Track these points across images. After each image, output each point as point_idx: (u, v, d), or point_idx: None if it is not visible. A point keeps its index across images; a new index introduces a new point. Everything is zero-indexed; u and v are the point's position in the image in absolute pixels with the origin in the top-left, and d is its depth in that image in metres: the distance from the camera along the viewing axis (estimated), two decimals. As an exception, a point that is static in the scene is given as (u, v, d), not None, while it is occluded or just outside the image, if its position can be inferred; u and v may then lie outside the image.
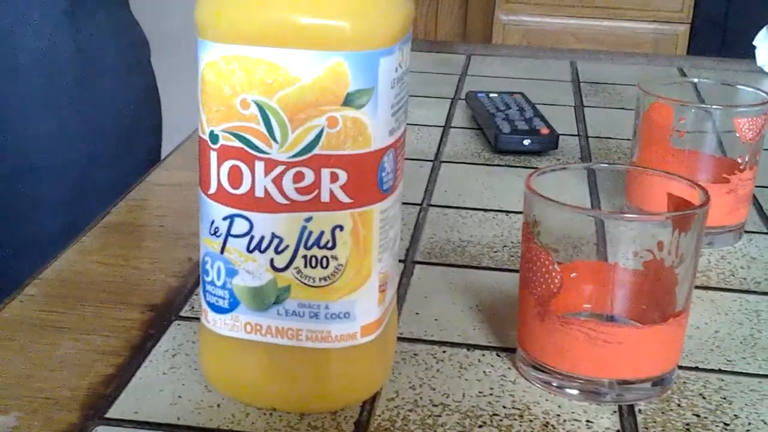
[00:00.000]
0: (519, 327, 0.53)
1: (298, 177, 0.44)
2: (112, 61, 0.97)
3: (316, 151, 0.43)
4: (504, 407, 0.50)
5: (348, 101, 0.43)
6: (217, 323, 0.47)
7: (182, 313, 0.58)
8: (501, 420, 0.49)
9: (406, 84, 0.47)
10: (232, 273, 0.46)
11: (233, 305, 0.46)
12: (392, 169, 0.46)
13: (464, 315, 0.59)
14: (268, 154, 0.43)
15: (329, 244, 0.45)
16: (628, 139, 0.94)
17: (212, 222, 0.46)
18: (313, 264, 0.45)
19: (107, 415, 0.48)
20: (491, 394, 0.51)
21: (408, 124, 0.47)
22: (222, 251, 0.46)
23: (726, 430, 0.48)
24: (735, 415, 0.49)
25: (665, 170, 0.56)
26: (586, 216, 0.50)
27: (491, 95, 0.99)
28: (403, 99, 0.46)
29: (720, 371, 0.54)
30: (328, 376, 0.48)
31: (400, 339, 0.55)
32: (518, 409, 0.50)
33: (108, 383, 0.51)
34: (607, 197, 0.64)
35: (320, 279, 0.45)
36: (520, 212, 0.75)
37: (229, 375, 0.49)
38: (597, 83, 1.16)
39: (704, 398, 0.51)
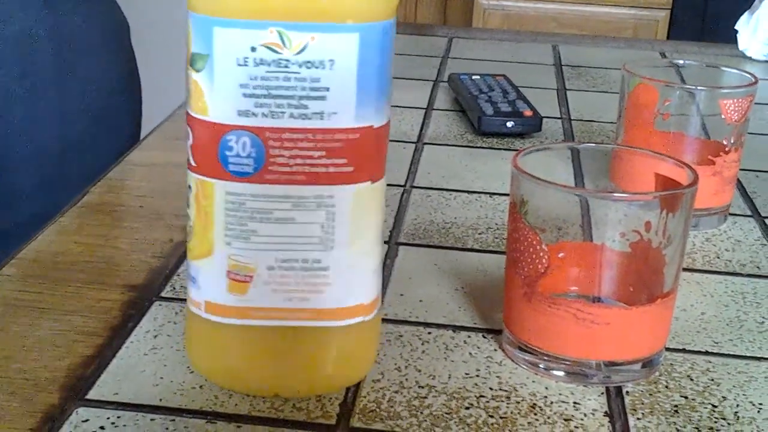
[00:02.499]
0: (505, 308, 0.52)
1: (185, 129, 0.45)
2: (90, 45, 0.95)
3: (186, 107, 0.45)
4: (491, 389, 0.49)
5: (191, 62, 0.44)
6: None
7: (163, 294, 0.57)
8: (488, 401, 0.48)
9: (305, 81, 0.43)
10: None
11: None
12: (248, 155, 0.44)
13: (449, 296, 0.58)
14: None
15: (187, 201, 0.46)
16: (612, 122, 0.94)
17: None
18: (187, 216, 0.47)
19: (88, 397, 0.47)
20: (477, 376, 0.50)
21: (390, 106, 0.45)
22: None
23: (714, 411, 0.48)
24: (723, 397, 0.49)
25: (652, 150, 0.56)
26: (574, 196, 0.49)
27: (474, 77, 0.98)
28: (283, 89, 0.43)
29: (707, 353, 0.53)
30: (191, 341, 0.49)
31: (385, 320, 0.55)
32: (505, 390, 0.49)
33: (88, 364, 0.50)
34: (591, 178, 0.64)
35: (186, 233, 0.47)
36: (504, 194, 0.74)
37: (209, 357, 0.48)
38: (579, 66, 1.15)
39: (692, 380, 0.51)
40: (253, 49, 0.42)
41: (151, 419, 0.46)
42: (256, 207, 0.44)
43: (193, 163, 0.45)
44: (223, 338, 0.47)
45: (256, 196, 0.44)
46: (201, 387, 0.48)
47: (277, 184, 0.44)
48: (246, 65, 0.43)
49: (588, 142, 0.65)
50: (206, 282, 0.46)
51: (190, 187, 0.46)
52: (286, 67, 0.42)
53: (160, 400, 0.47)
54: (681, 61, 0.76)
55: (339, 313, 0.46)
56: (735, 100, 0.68)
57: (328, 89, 0.43)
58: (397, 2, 0.45)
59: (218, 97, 0.43)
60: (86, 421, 0.45)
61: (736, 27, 1.23)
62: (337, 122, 0.43)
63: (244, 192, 0.44)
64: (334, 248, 0.45)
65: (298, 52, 0.42)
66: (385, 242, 0.65)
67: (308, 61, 0.42)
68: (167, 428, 0.45)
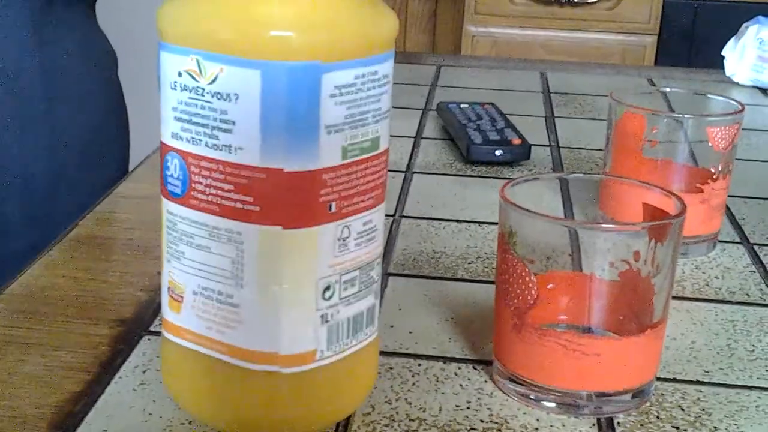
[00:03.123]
0: (495, 339, 0.52)
1: None
2: (79, 78, 0.95)
3: None
4: (482, 421, 0.49)
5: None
6: None
7: (152, 328, 0.57)
8: (478, 434, 0.48)
9: (216, 112, 0.42)
10: None
11: None
12: (178, 177, 0.44)
13: (439, 327, 0.58)
14: None
15: None
16: (600, 149, 0.94)
17: None
18: None
19: (76, 434, 0.47)
20: (468, 408, 0.50)
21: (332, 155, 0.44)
22: None
23: (705, 441, 0.48)
24: (714, 427, 0.49)
25: (639, 180, 0.56)
26: (562, 226, 0.49)
27: (462, 106, 0.99)
28: (200, 117, 0.43)
29: (698, 382, 0.53)
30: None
31: (375, 352, 0.55)
32: (496, 423, 0.49)
33: (76, 400, 0.49)
34: (580, 207, 0.64)
35: None
36: (493, 223, 0.74)
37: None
38: (567, 94, 1.16)
39: (683, 410, 0.50)
40: (180, 75, 0.43)
41: (140, 456, 0.45)
42: (184, 229, 0.45)
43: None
44: (171, 355, 0.48)
45: (183, 218, 0.45)
46: (190, 423, 0.48)
47: (197, 210, 0.44)
48: (175, 89, 0.44)
49: (576, 172, 0.66)
50: (162, 295, 0.47)
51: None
52: (202, 95, 0.43)
53: (149, 436, 0.47)
54: (668, 89, 0.77)
55: (250, 355, 0.44)
56: (722, 128, 0.68)
57: (234, 123, 0.42)
58: (327, 45, 0.42)
59: (162, 117, 0.45)
60: (74, 458, 0.45)
61: (722, 53, 1.23)
62: (243, 158, 0.42)
63: (176, 212, 0.45)
64: (243, 287, 0.44)
65: (211, 82, 0.42)
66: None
67: (218, 92, 0.42)
68: (156, 465, 0.45)
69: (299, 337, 0.44)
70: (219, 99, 0.42)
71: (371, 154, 0.44)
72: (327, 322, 0.44)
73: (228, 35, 0.41)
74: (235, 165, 0.42)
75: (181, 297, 0.46)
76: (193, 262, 0.45)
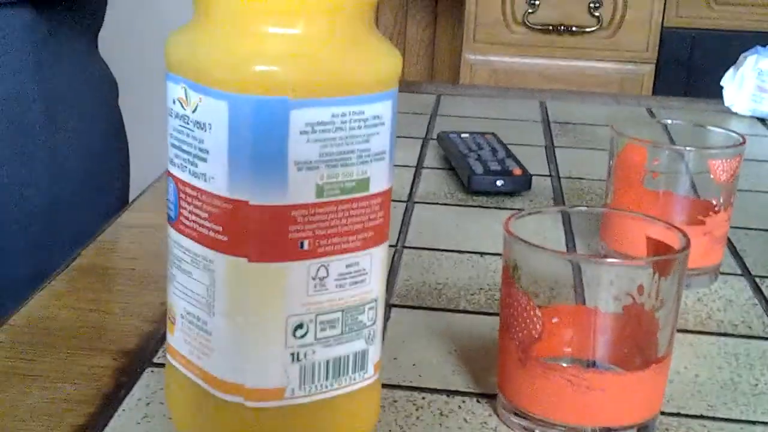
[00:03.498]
0: (499, 372, 0.52)
1: None
2: (79, 106, 0.96)
3: None
4: (486, 455, 0.49)
5: None
6: None
7: (155, 360, 0.57)
8: (483, 469, 0.48)
9: (196, 140, 0.43)
10: None
11: None
12: (173, 201, 0.45)
13: (443, 360, 0.58)
14: None
15: None
16: (600, 180, 0.94)
17: None
18: None
19: (79, 468, 0.47)
20: (472, 442, 0.50)
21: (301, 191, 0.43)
22: None
23: (711, 477, 0.48)
24: (719, 462, 0.49)
25: (642, 212, 0.56)
26: (567, 260, 0.49)
27: (463, 135, 0.99)
28: (186, 145, 0.44)
29: (702, 417, 0.53)
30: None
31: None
32: (500, 457, 0.49)
33: (79, 434, 0.49)
34: (582, 238, 0.64)
35: None
36: (495, 254, 0.75)
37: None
38: (567, 123, 1.16)
39: (687, 444, 0.50)
40: (173, 102, 0.44)
41: (144, 490, 0.45)
42: (175, 253, 0.46)
43: None
44: (170, 377, 0.48)
45: (175, 242, 0.46)
46: (194, 456, 0.48)
47: (183, 234, 0.45)
48: (171, 116, 0.45)
49: (579, 205, 0.66)
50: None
51: None
52: (187, 123, 0.43)
53: (153, 470, 0.47)
54: (669, 121, 0.77)
55: (220, 384, 0.44)
56: (724, 161, 0.68)
57: (208, 152, 0.42)
58: (297, 81, 0.41)
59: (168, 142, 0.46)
60: (78, 493, 0.45)
61: (721, 83, 1.24)
62: (215, 187, 0.42)
63: (171, 236, 0.46)
64: (215, 315, 0.44)
65: (193, 111, 0.43)
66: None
67: (198, 121, 0.43)
68: (160, 500, 0.45)
69: (266, 372, 0.44)
70: (198, 128, 0.43)
71: (357, 195, 0.43)
72: (299, 360, 0.44)
73: (205, 65, 0.42)
74: (208, 193, 0.43)
75: (174, 319, 0.47)
76: (180, 285, 0.46)
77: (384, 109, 0.44)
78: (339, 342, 0.44)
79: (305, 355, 0.44)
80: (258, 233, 0.42)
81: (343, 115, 0.42)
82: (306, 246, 0.43)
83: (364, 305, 0.45)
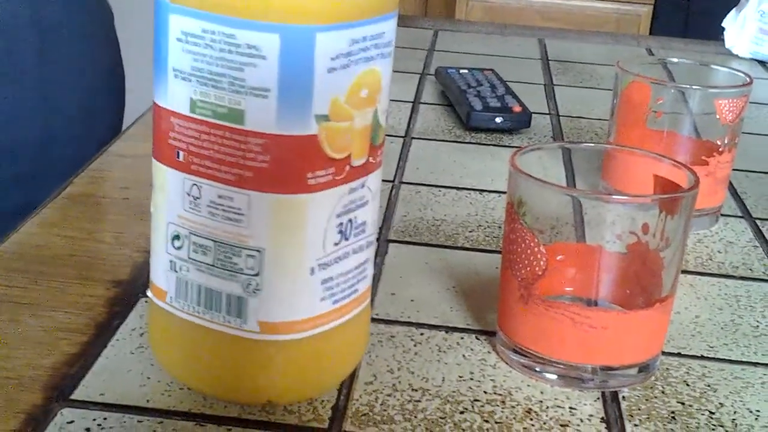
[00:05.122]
0: (500, 310, 0.51)
1: None
2: (73, 34, 0.93)
3: None
4: (485, 392, 0.48)
5: None
6: None
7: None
8: (482, 406, 0.47)
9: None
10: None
11: None
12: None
13: (441, 296, 0.57)
14: None
15: None
16: (599, 119, 0.93)
17: None
18: None
19: (72, 397, 0.46)
20: (471, 379, 0.49)
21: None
22: None
23: (712, 418, 0.47)
24: (720, 404, 0.48)
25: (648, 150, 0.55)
26: (573, 197, 0.48)
27: (462, 71, 0.97)
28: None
29: (702, 357, 0.53)
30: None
31: (376, 320, 0.54)
32: (500, 394, 0.48)
33: (72, 363, 0.48)
34: (583, 178, 0.63)
35: None
36: (494, 191, 0.73)
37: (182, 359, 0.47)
38: (566, 62, 1.15)
39: (688, 385, 0.50)
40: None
41: (138, 421, 0.44)
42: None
43: None
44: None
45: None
46: (189, 388, 0.47)
47: None
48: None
49: (581, 142, 0.65)
50: None
51: None
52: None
53: (148, 401, 0.46)
54: (675, 59, 0.75)
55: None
56: (730, 100, 0.67)
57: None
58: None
59: None
60: (71, 422, 0.44)
61: (723, 24, 1.22)
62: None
63: None
64: None
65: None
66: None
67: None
68: (155, 431, 0.44)
69: (158, 270, 0.46)
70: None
71: (230, 125, 0.41)
72: (175, 271, 0.44)
73: None
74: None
75: None
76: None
77: (264, 41, 0.40)
78: (211, 273, 0.43)
79: (180, 269, 0.44)
80: (154, 131, 0.44)
81: (213, 33, 0.40)
82: (181, 157, 0.43)
83: (241, 248, 0.42)
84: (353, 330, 0.47)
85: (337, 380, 0.47)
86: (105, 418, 0.44)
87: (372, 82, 0.43)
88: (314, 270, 0.43)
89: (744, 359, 0.53)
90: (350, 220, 0.44)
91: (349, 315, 0.46)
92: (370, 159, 0.44)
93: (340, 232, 0.44)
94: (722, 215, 0.71)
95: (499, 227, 0.67)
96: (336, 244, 0.44)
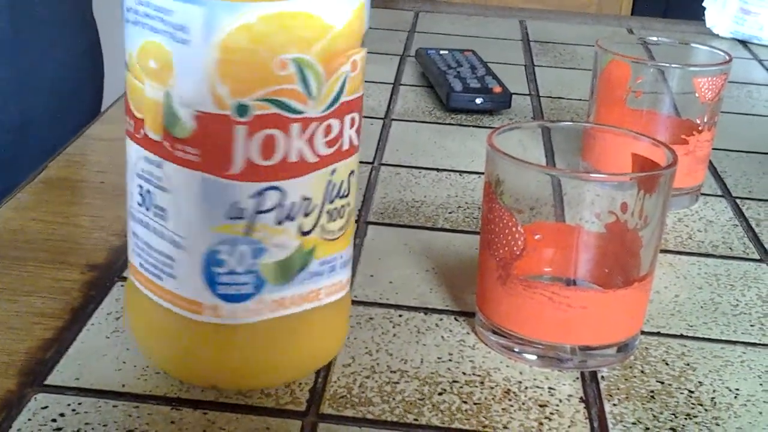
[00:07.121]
0: (478, 290, 0.51)
1: (328, 130, 0.42)
2: (50, 15, 0.92)
3: (342, 98, 0.42)
4: (464, 373, 0.48)
5: (363, 42, 0.43)
6: (236, 313, 0.43)
7: (125, 274, 0.55)
8: (461, 387, 0.47)
9: None
10: (259, 253, 0.42)
11: (259, 287, 0.43)
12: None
13: (420, 277, 0.57)
14: (303, 113, 0.41)
15: (345, 192, 0.44)
16: (580, 99, 0.93)
17: (234, 204, 0.41)
18: (334, 217, 0.44)
19: (47, 382, 0.45)
20: (450, 360, 0.49)
21: None
22: (248, 233, 0.42)
23: (691, 397, 0.47)
24: (699, 382, 0.48)
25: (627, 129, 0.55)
26: (551, 176, 0.48)
27: (442, 52, 0.97)
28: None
29: (682, 336, 0.52)
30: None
31: (355, 302, 0.53)
32: (478, 375, 0.48)
33: (47, 348, 0.48)
34: (562, 158, 0.62)
35: (338, 230, 0.45)
36: (474, 172, 0.73)
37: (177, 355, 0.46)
38: (547, 42, 1.14)
39: (667, 364, 0.50)
40: None
41: (114, 406, 0.44)
42: None
43: (358, 143, 0.45)
44: None
45: None
46: (165, 372, 0.46)
47: None
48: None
49: (563, 121, 0.64)
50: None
51: (352, 173, 0.45)
52: None
53: (123, 385, 0.45)
54: (655, 38, 0.75)
55: None
56: (709, 78, 0.67)
57: None
58: None
59: None
60: (45, 407, 0.43)
61: (704, 3, 1.22)
62: None
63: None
64: None
65: None
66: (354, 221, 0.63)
67: None
68: (130, 415, 0.43)
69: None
70: None
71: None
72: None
73: None
74: None
75: None
76: None
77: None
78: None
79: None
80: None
81: None
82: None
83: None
84: (321, 317, 0.46)
85: (311, 366, 0.47)
86: (80, 403, 0.44)
87: (160, 57, 0.41)
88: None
89: (723, 338, 0.53)
90: (148, 191, 0.43)
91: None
92: (167, 144, 0.42)
93: (141, 195, 0.44)
94: (702, 194, 0.71)
95: (479, 208, 0.67)
96: (140, 204, 0.44)
